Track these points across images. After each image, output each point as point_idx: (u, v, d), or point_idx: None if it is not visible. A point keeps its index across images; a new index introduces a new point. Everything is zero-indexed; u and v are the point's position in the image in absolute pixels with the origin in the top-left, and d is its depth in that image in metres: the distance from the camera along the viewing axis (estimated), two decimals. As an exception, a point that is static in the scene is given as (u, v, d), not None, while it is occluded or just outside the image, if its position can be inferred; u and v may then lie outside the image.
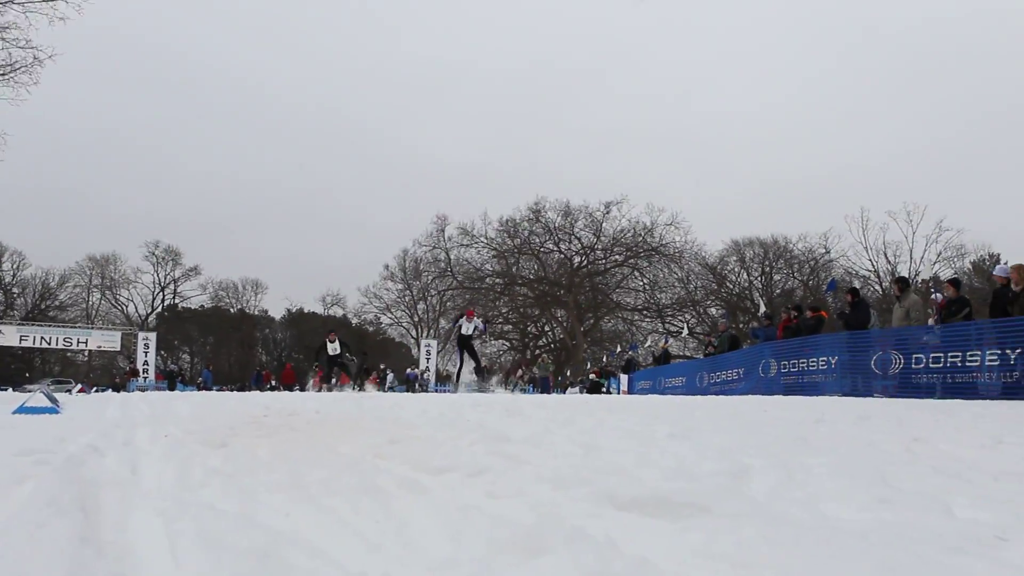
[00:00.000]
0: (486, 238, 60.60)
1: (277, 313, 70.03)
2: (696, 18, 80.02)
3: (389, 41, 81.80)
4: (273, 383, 39.71)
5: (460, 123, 79.44)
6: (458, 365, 22.93)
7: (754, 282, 56.52)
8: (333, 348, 23.49)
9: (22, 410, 6.51)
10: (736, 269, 57.47)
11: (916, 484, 2.89)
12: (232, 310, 67.96)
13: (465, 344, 22.27)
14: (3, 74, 24.54)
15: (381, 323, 67.42)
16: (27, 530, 1.83)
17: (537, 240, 60.21)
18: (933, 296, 16.92)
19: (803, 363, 18.40)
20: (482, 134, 79.38)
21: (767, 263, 56.59)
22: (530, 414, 7.58)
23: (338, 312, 67.78)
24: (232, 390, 35.52)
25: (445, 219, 60.67)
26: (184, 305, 67.09)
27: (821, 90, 74.76)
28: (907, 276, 41.09)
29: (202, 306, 67.51)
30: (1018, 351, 13.03)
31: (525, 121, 78.82)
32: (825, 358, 17.59)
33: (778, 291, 54.23)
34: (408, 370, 43.05)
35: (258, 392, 22.77)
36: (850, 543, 1.88)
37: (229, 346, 66.34)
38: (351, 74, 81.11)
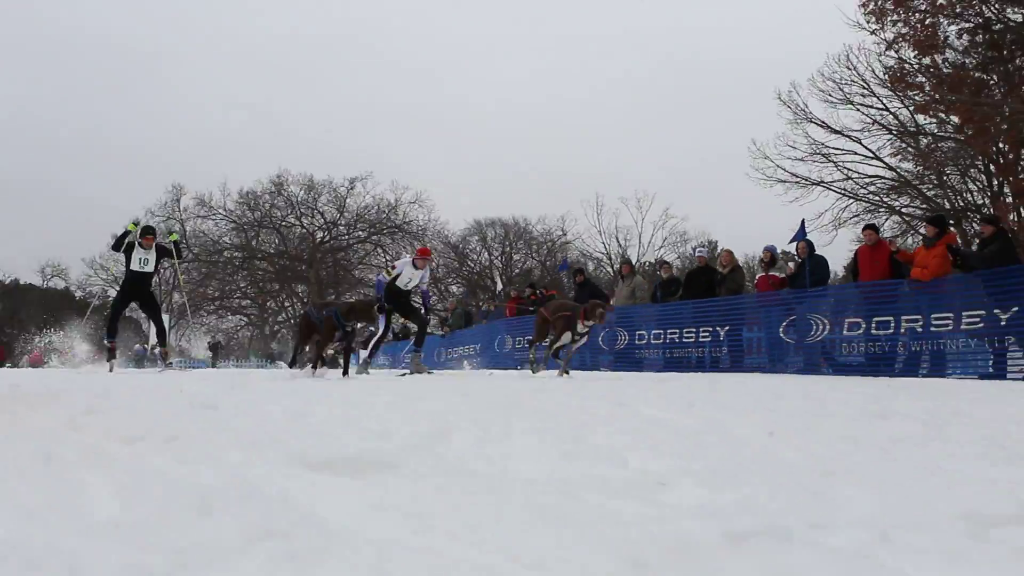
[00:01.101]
0: (225, 210, 58.49)
1: (-12, 284, 64.09)
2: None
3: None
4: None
5: (200, 85, 75.77)
6: (378, 331, 14.78)
7: (495, 261, 58.04)
8: (143, 259, 14.75)
9: None
10: (478, 248, 58.85)
11: (605, 441, 3.06)
12: (-67, 277, 61.57)
13: (401, 301, 14.49)
14: None
15: (108, 297, 63.39)
16: None
17: (279, 214, 58.86)
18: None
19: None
20: (223, 100, 76.22)
21: (508, 243, 58.31)
22: (254, 386, 7.40)
23: (59, 284, 63.03)
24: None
25: (181, 189, 57.94)
26: None
27: (572, 94, 78.17)
28: (632, 259, 43.67)
29: None
30: (726, 328, 14.20)
31: (270, 90, 76.51)
32: (557, 334, 18.38)
33: (517, 270, 56.03)
34: (136, 346, 40.82)
35: None
36: (519, 491, 1.95)
37: (-70, 317, 60.13)
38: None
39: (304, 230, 59.37)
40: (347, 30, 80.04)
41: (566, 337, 11.88)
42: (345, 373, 11.08)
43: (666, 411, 4.54)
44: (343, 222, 59.00)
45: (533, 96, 78.49)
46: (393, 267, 14.72)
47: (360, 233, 59.11)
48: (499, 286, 32.82)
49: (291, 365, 13.67)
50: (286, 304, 61.18)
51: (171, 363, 17.59)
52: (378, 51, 78.93)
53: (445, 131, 74.89)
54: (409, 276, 14.41)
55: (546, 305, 13.43)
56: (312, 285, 56.88)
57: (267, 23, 78.36)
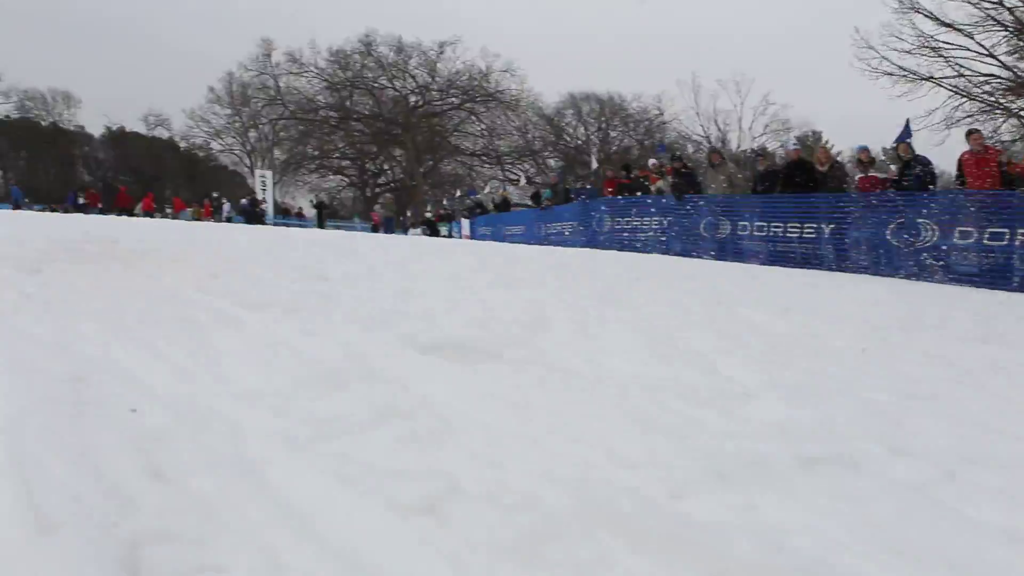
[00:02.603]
0: (316, 67, 58.39)
1: (96, 130, 65.93)
2: None
3: None
4: (100, 206, 37.86)
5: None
6: None
7: (592, 137, 57.08)
8: None
9: None
10: (573, 123, 57.77)
11: (699, 345, 3.20)
12: (44, 123, 63.55)
13: None
14: None
15: (212, 149, 64.78)
16: None
17: (370, 75, 58.42)
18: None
19: (636, 222, 19.02)
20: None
21: (603, 119, 57.08)
22: (363, 254, 7.70)
23: (163, 134, 64.61)
24: (51, 210, 33.78)
25: (271, 44, 57.93)
26: (-12, 114, 62.04)
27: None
28: (733, 145, 42.47)
29: (8, 116, 62.60)
30: (831, 226, 13.97)
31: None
32: (658, 219, 18.24)
33: (615, 148, 55.04)
34: (243, 200, 41.88)
35: (80, 215, 21.21)
36: (611, 392, 2.13)
37: (45, 163, 62.42)
38: None
39: (397, 93, 59.02)
40: None
41: None
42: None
43: (762, 314, 4.63)
44: (435, 87, 58.39)
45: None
46: None
47: (453, 100, 58.54)
48: (594, 164, 32.28)
49: None
50: (385, 167, 61.65)
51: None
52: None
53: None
54: None
55: None
56: (409, 150, 57.12)
57: None
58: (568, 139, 56.99)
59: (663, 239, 17.56)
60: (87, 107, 70.58)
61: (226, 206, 38.85)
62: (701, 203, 17.03)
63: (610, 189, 21.23)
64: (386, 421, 1.70)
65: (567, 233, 22.09)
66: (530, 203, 28.96)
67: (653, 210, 18.49)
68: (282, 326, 2.91)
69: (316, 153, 57.90)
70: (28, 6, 68.99)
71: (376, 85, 58.33)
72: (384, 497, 1.32)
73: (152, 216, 31.78)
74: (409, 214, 48.11)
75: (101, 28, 72.23)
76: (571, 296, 4.71)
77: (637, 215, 18.89)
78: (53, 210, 34.57)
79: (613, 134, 56.57)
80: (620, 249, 18.00)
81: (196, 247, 6.98)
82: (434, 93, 58.15)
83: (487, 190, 40.68)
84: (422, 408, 1.73)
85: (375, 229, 36.91)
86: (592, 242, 19.88)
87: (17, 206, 36.17)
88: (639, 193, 19.66)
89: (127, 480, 1.25)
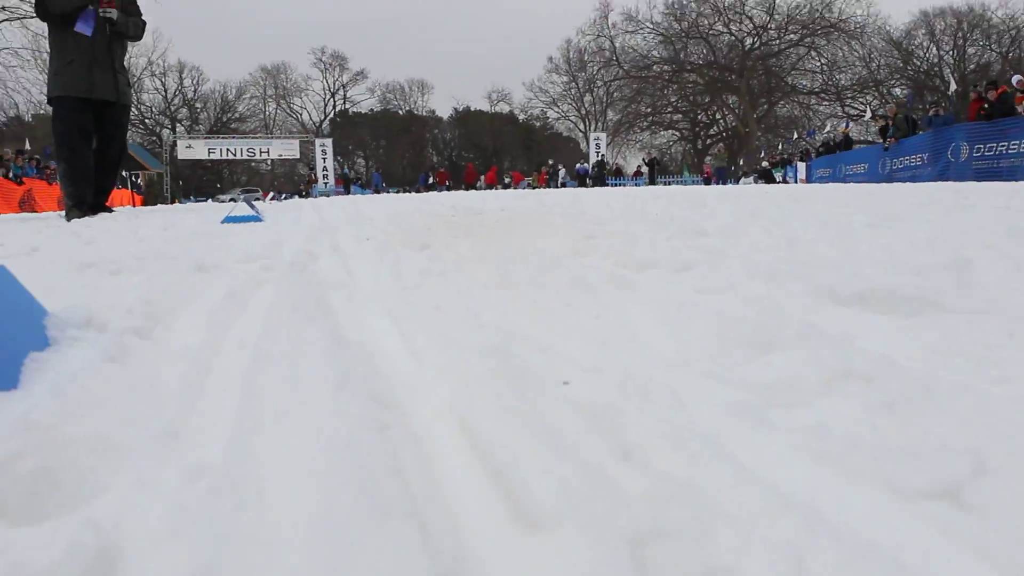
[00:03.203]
0: (651, 23, 58.48)
1: (444, 112, 70.74)
2: None
3: None
4: (448, 184, 40.40)
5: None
6: None
7: (944, 57, 52.34)
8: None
9: (229, 219, 6.91)
10: (924, 44, 53.34)
11: None
12: (401, 112, 69.01)
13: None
14: None
15: (548, 118, 67.06)
16: (288, 334, 1.96)
17: (706, 22, 57.67)
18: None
19: (1001, 147, 17.27)
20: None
21: (960, 35, 52.09)
22: (714, 206, 7.47)
23: (504, 108, 67.86)
24: (404, 191, 36.48)
25: (608, 5, 58.89)
26: (354, 110, 68.60)
27: None
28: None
29: (371, 110, 68.80)
30: None
31: None
32: (1034, 141, 16.43)
33: (972, 66, 50.12)
34: (578, 165, 42.88)
35: (433, 193, 22.66)
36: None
37: (401, 148, 67.78)
38: None
39: (733, 37, 57.72)
40: None
41: None
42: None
43: None
44: (773, 25, 56.42)
45: None
46: None
47: (792, 36, 56.19)
48: (952, 86, 29.64)
49: None
50: (717, 117, 60.63)
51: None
52: None
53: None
54: None
55: None
56: (743, 96, 55.71)
57: None
58: (918, 63, 52.66)
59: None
60: (438, 92, 76.60)
61: (561, 171, 40.03)
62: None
63: (973, 111, 19.42)
64: (842, 386, 1.50)
65: (915, 167, 20.54)
66: (874, 139, 27.12)
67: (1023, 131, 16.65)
68: (676, 285, 2.79)
69: (649, 110, 58.30)
70: (386, 10, 75.23)
71: (711, 32, 57.62)
72: (883, 480, 1.13)
73: (495, 189, 33.45)
74: (741, 163, 47.12)
75: (451, 15, 77.25)
76: (970, 233, 4.21)
77: (1003, 139, 17.15)
78: (407, 191, 37.39)
79: (971, 51, 51.58)
80: (978, 178, 16.39)
81: (555, 211, 7.11)
82: (771, 32, 56.33)
83: (827, 129, 38.71)
84: (882, 369, 1.51)
85: (707, 181, 36.51)
86: (944, 175, 18.37)
87: (376, 191, 39.57)
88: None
89: (604, 463, 1.15)
